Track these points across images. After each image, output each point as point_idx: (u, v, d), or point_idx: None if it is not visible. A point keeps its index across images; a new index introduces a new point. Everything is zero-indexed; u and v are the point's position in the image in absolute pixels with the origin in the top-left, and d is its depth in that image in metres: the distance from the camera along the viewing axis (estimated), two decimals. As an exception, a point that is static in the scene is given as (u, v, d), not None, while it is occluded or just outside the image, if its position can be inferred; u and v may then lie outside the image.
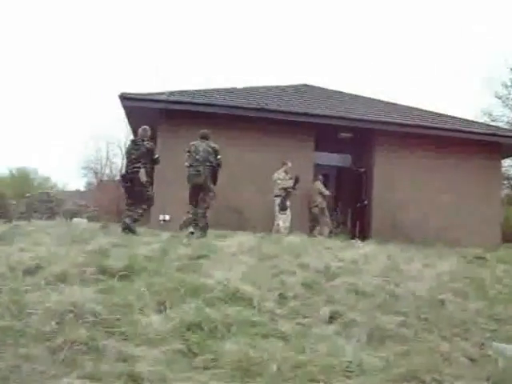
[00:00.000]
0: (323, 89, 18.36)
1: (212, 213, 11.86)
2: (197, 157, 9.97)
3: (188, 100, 13.95)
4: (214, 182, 10.15)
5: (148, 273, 5.45)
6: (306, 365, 3.58)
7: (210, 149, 10.04)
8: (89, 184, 38.99)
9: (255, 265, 6.01)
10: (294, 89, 17.61)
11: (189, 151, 10.11)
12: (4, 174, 33.01)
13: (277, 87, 17.45)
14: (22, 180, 32.44)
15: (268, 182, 13.16)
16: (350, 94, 17.66)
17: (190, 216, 10.39)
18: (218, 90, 15.35)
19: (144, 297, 4.57)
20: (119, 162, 33.99)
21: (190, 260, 6.18)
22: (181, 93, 14.48)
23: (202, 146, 10.07)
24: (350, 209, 15.43)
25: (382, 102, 17.24)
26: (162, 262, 6.10)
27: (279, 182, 12.92)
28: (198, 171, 9.91)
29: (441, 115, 16.54)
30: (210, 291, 4.82)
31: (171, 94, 14.10)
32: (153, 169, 10.64)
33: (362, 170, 15.39)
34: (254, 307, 4.60)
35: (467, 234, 14.26)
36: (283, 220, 12.63)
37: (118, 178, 25.05)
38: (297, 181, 12.95)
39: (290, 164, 13.10)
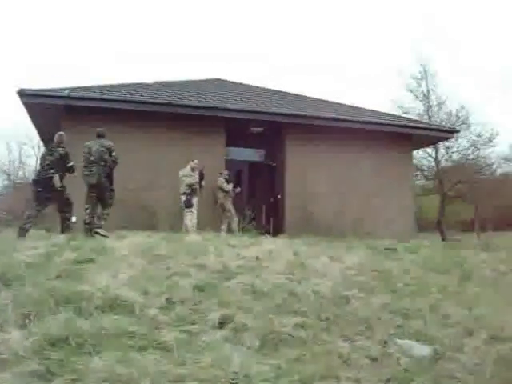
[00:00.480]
0: (235, 83, 18.03)
1: (124, 213, 11.34)
2: (91, 158, 9.86)
3: (90, 96, 13.11)
4: (111, 180, 9.98)
5: (21, 282, 4.79)
6: (186, 379, 3.18)
7: (103, 148, 9.89)
8: (6, 187, 37.00)
9: (146, 267, 5.46)
10: (206, 83, 17.15)
11: (84, 152, 9.97)
12: None
13: (188, 81, 16.92)
14: None
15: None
16: (262, 88, 17.39)
17: (87, 217, 9.91)
18: (126, 85, 14.58)
19: (6, 310, 3.94)
20: (33, 164, 32.37)
21: (74, 265, 5.55)
22: (85, 88, 13.61)
23: (95, 145, 9.93)
24: (264, 204, 15.07)
25: (293, 95, 17.08)
26: (43, 268, 5.45)
27: (184, 178, 12.50)
28: (92, 171, 9.81)
29: (354, 108, 16.58)
30: (87, 300, 4.26)
31: (74, 89, 13.21)
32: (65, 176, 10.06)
33: (274, 164, 15.11)
34: (135, 315, 4.09)
35: (382, 225, 14.33)
36: (190, 218, 12.16)
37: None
38: (202, 176, 12.60)
39: (196, 161, 12.72)
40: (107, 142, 10.00)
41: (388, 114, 17.25)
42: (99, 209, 10.04)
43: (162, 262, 5.78)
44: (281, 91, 17.47)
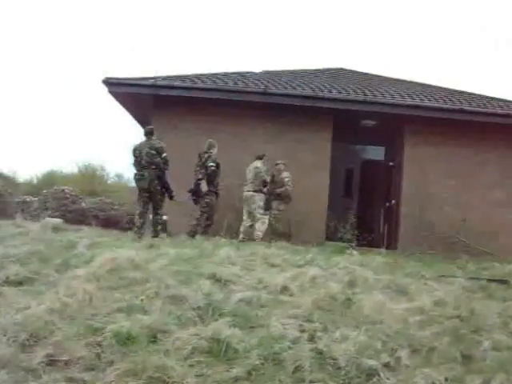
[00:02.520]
0: (359, 73, 16.04)
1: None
2: (142, 162, 9.62)
3: (177, 84, 12.08)
4: (163, 183, 9.72)
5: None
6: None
7: (153, 151, 9.60)
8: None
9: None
10: (323, 73, 15.44)
11: (134, 155, 9.75)
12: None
13: (301, 71, 15.33)
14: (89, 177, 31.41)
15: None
16: (386, 77, 15.24)
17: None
18: (222, 74, 13.36)
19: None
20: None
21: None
22: (173, 77, 12.62)
23: (145, 148, 9.65)
24: (377, 210, 13.07)
25: (414, 83, 14.70)
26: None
27: (262, 174, 10.94)
28: (143, 175, 9.62)
29: (482, 97, 13.77)
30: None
31: (161, 78, 12.31)
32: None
33: (392, 163, 13.02)
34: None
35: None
36: (263, 225, 10.61)
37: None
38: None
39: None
40: (157, 144, 9.69)
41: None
42: (152, 214, 9.79)
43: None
44: (401, 80, 15.16)
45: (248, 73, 13.92)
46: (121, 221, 15.76)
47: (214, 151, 10.39)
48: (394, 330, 4.50)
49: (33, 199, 18.37)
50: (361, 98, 12.00)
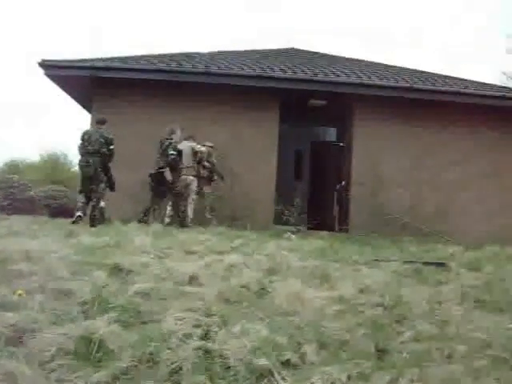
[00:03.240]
0: (310, 52, 15.59)
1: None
2: (88, 147, 9.56)
3: (116, 65, 11.50)
4: (106, 171, 9.71)
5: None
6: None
7: (102, 139, 9.58)
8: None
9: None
10: (274, 52, 14.98)
11: (82, 139, 9.67)
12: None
13: (250, 51, 14.82)
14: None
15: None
16: (336, 56, 14.83)
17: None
18: (166, 55, 12.78)
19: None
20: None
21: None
22: (113, 59, 12.02)
23: (95, 135, 9.63)
24: (328, 193, 12.74)
25: (365, 61, 14.33)
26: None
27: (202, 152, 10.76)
28: (88, 162, 9.57)
29: (438, 76, 13.52)
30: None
31: (100, 60, 11.72)
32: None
33: (342, 144, 12.67)
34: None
35: (470, 224, 11.49)
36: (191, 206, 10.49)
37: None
38: None
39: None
40: (107, 134, 9.65)
41: (487, 84, 13.72)
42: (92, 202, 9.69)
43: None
44: (354, 59, 14.78)
45: (194, 53, 13.38)
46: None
47: (176, 137, 10.07)
48: (306, 322, 4.10)
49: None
50: (307, 76, 11.56)
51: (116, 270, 4.69)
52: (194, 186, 10.48)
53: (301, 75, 11.68)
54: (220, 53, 14.02)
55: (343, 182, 12.24)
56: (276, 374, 3.27)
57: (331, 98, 11.93)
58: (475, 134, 12.07)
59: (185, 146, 10.41)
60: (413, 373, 3.41)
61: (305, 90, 11.68)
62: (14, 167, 31.78)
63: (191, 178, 10.39)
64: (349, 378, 3.30)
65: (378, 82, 11.70)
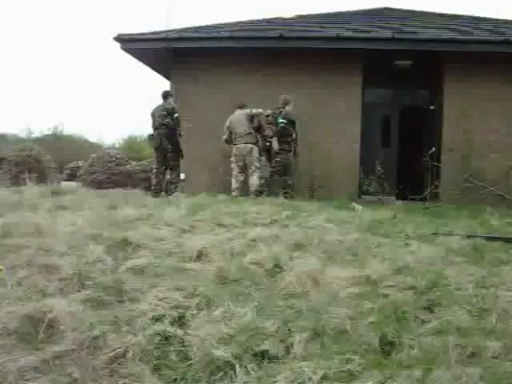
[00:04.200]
0: (402, 10, 14.46)
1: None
2: (155, 123, 10.04)
3: (191, 35, 11.32)
4: (173, 143, 9.97)
5: None
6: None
7: (164, 112, 9.94)
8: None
9: None
10: (363, 14, 14.04)
11: (152, 118, 10.17)
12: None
13: (343, 13, 14.01)
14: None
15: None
16: (432, 13, 13.56)
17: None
18: (239, 23, 12.40)
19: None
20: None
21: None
22: (190, 29, 11.86)
23: (158, 110, 10.07)
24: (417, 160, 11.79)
25: (449, 15, 12.95)
26: None
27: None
28: (153, 135, 10.21)
29: None
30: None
31: (180, 30, 11.59)
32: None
33: (433, 107, 11.60)
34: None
35: None
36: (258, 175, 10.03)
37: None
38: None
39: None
40: (168, 105, 10.01)
41: None
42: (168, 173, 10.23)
43: None
44: (449, 14, 13.44)
45: (276, 19, 12.87)
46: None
47: (288, 108, 9.82)
48: (310, 307, 3.62)
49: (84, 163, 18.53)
50: (387, 35, 10.64)
51: (122, 245, 4.46)
52: (255, 153, 10.04)
53: (378, 34, 10.78)
54: (301, 16, 13.38)
55: (433, 149, 11.24)
56: (238, 369, 2.84)
57: (418, 58, 10.90)
58: None
59: (237, 114, 10.10)
60: (410, 376, 2.84)
61: (388, 50, 10.78)
62: (131, 142, 33.34)
63: (250, 145, 9.98)
64: (324, 377, 2.79)
65: (467, 37, 10.50)
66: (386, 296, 3.94)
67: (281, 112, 9.64)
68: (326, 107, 10.99)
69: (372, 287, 4.07)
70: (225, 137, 10.11)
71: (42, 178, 14.71)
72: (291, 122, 9.72)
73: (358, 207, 7.49)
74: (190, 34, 11.36)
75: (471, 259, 4.85)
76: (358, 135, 11.18)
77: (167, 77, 12.87)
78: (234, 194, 9.71)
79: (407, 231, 5.68)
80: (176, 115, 9.88)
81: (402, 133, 12.15)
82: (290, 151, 9.81)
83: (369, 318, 3.50)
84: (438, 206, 8.89)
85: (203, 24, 12.24)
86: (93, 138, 32.69)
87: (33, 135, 31.65)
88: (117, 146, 37.34)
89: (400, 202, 9.51)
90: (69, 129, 42.46)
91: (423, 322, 3.54)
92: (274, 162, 9.79)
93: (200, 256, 4.39)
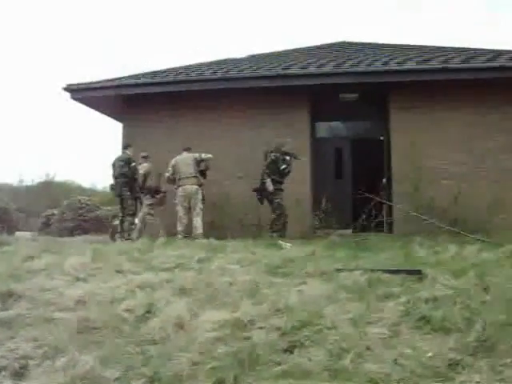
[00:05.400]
0: (359, 43, 14.63)
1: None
2: (115, 173, 10.55)
3: (140, 82, 11.51)
4: (131, 191, 10.48)
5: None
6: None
7: (122, 162, 10.46)
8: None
9: None
10: (319, 49, 14.21)
11: (112, 168, 10.65)
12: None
13: (297, 50, 14.18)
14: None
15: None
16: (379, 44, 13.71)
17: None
18: (185, 67, 12.64)
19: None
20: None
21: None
22: (139, 75, 12.06)
23: (117, 161, 10.58)
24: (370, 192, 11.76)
25: (393, 46, 13.08)
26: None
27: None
28: (113, 185, 10.73)
29: (471, 50, 12.00)
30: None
31: (124, 78, 11.81)
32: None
33: (382, 138, 11.65)
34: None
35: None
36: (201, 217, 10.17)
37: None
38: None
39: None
40: (126, 155, 10.53)
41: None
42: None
43: None
44: (405, 45, 13.58)
45: (227, 60, 13.05)
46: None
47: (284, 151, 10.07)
48: (160, 353, 3.60)
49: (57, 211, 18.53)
50: (327, 69, 10.75)
51: (5, 296, 4.47)
52: (200, 195, 10.10)
53: (318, 70, 10.89)
54: (258, 55, 13.56)
55: (384, 180, 11.22)
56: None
57: (363, 89, 10.99)
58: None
59: (185, 156, 10.18)
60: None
61: (332, 84, 10.86)
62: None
63: (196, 187, 10.02)
64: None
65: (405, 67, 10.58)
66: (247, 339, 3.89)
67: (284, 159, 9.92)
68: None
69: (238, 330, 4.02)
70: (168, 174, 10.18)
71: (10, 229, 14.82)
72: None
73: (286, 245, 7.41)
74: (133, 81, 11.53)
75: (360, 296, 4.77)
76: (308, 171, 11.17)
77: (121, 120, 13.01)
78: (179, 236, 9.67)
79: (312, 269, 5.60)
80: (133, 164, 10.43)
81: (355, 164, 12.15)
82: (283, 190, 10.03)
83: (212, 363, 3.46)
84: (376, 235, 8.83)
85: (156, 69, 12.44)
86: (86, 184, 32.68)
87: (24, 183, 31.78)
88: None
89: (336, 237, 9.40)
90: (62, 176, 42.65)
91: (276, 364, 3.49)
92: (275, 203, 9.87)
93: (77, 304, 4.37)
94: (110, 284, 4.91)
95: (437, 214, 10.27)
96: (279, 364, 3.48)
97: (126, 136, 11.69)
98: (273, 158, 9.90)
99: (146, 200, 11.15)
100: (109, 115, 13.52)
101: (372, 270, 5.48)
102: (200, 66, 12.55)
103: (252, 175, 10.38)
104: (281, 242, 7.61)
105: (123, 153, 10.65)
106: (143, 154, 11.07)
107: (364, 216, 9.80)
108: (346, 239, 8.43)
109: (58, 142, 46.95)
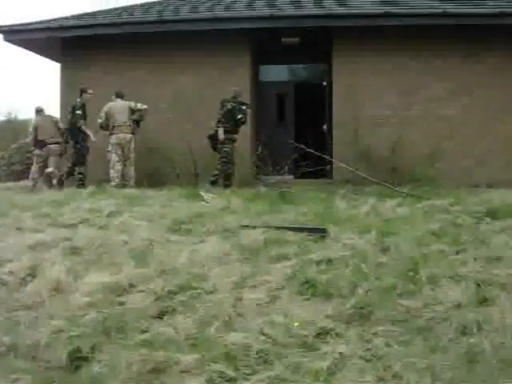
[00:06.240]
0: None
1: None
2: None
3: (72, 24, 11.06)
4: (75, 138, 10.28)
5: None
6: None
7: (69, 108, 10.31)
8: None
9: None
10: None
11: None
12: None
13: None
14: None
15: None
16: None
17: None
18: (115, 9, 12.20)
19: None
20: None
21: None
22: (75, 17, 11.59)
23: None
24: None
25: None
26: None
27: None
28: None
29: None
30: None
31: (56, 20, 11.33)
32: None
33: (325, 83, 11.47)
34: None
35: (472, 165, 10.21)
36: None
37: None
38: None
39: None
40: (74, 102, 10.20)
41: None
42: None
43: None
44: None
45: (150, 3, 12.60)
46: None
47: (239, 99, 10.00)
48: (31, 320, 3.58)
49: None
50: (266, 13, 10.42)
51: None
52: (133, 144, 9.96)
53: (257, 13, 10.57)
54: None
55: (325, 126, 11.15)
56: None
57: (305, 34, 10.72)
58: (475, 59, 10.44)
59: (119, 104, 9.93)
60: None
61: (273, 29, 10.57)
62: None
63: (130, 135, 9.87)
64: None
65: (349, 11, 10.34)
66: (121, 304, 3.88)
67: (240, 109, 9.85)
68: (216, 89, 10.76)
69: (114, 294, 4.00)
70: (100, 121, 9.93)
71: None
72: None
73: (208, 196, 7.36)
74: (72, 22, 11.05)
75: (253, 256, 4.77)
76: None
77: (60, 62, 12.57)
78: (113, 183, 9.56)
79: (216, 225, 5.58)
80: (78, 112, 10.03)
81: (298, 110, 12.01)
82: (235, 141, 10.02)
83: (76, 330, 3.44)
84: (301, 185, 8.87)
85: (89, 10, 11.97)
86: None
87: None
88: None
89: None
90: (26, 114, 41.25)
91: (141, 332, 3.48)
92: (222, 152, 9.85)
93: None
94: (3, 243, 4.82)
95: (375, 162, 10.34)
96: (145, 332, 3.47)
97: (64, 78, 11.32)
98: (229, 107, 9.80)
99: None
100: (48, 57, 13.06)
101: (276, 228, 5.49)
102: (134, 7, 12.07)
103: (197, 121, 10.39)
104: (203, 193, 7.54)
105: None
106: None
107: (305, 162, 9.80)
108: (273, 189, 8.38)
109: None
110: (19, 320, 3.61)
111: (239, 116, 9.81)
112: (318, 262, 4.56)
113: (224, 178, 9.90)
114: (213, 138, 9.91)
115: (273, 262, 4.62)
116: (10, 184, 12.62)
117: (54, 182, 10.06)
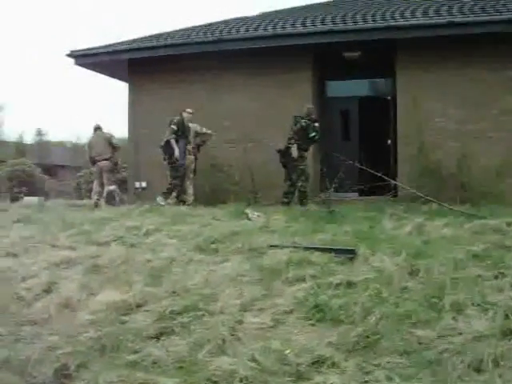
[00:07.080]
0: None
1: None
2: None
3: (135, 46, 11.53)
4: None
5: None
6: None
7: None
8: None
9: None
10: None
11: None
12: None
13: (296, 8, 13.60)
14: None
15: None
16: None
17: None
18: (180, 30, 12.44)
19: None
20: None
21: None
22: (144, 39, 12.05)
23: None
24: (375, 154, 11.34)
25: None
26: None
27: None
28: None
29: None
30: None
31: (123, 43, 11.82)
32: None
33: (389, 97, 11.13)
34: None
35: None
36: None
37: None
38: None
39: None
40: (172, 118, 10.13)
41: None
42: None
43: None
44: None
45: (238, 18, 12.74)
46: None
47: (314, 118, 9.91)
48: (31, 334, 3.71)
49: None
50: (326, 28, 10.27)
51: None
52: (193, 166, 10.34)
53: (316, 28, 10.41)
54: (245, 18, 13.07)
55: (389, 141, 10.80)
56: None
57: (367, 47, 10.48)
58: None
59: (96, 136, 10.83)
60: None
61: (335, 43, 10.43)
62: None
63: (192, 157, 10.26)
64: None
65: (409, 22, 9.92)
66: (122, 323, 3.94)
67: (314, 127, 9.66)
68: (277, 107, 10.75)
69: (118, 313, 4.06)
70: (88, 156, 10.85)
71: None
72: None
73: (253, 214, 7.31)
74: (136, 45, 11.51)
75: (270, 277, 4.67)
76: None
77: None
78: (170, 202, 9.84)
79: (242, 245, 5.53)
80: (171, 126, 9.98)
81: (362, 125, 11.73)
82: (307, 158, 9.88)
83: (69, 348, 3.52)
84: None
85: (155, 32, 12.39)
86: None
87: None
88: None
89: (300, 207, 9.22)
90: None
91: (133, 353, 3.50)
92: (298, 170, 9.67)
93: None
94: (34, 260, 5.03)
95: (442, 178, 9.88)
96: (136, 352, 3.49)
97: (131, 96, 11.82)
98: (303, 124, 9.62)
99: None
100: (117, 78, 13.64)
101: (305, 248, 5.35)
102: (196, 28, 12.29)
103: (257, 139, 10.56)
104: (248, 211, 7.50)
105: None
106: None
107: (369, 179, 9.55)
108: (324, 207, 8.21)
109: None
110: (22, 335, 3.74)
111: (312, 134, 9.60)
112: (337, 285, 4.41)
113: (300, 196, 9.65)
114: (284, 154, 9.73)
115: (288, 284, 4.50)
116: (85, 201, 13.20)
117: (117, 199, 10.40)
